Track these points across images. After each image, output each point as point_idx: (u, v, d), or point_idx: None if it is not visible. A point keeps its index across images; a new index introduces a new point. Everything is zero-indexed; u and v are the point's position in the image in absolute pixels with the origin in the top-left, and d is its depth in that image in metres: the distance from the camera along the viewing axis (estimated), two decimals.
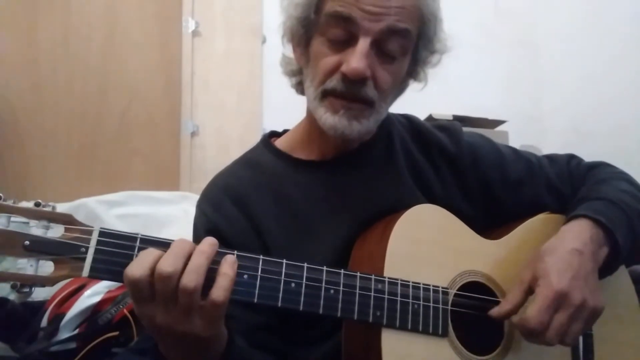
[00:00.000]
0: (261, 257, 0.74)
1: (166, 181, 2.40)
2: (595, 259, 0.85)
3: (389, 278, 0.81)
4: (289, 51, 0.96)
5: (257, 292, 0.72)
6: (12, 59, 2.30)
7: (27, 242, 0.65)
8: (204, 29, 2.49)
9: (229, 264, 0.68)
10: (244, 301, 0.71)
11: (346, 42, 0.84)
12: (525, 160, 1.04)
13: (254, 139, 1.08)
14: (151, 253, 0.66)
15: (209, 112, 2.47)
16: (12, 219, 0.65)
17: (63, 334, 1.43)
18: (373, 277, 0.80)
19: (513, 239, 0.96)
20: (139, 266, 0.64)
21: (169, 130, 2.46)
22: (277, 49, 1.00)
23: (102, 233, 0.68)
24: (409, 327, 0.80)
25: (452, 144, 1.02)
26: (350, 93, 0.84)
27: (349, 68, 0.82)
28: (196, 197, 1.00)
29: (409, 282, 0.82)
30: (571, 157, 1.09)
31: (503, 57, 2.69)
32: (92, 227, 0.68)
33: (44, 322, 1.47)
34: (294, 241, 0.91)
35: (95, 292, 1.50)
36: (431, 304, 0.82)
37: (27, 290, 0.66)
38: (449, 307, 0.84)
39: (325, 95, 0.86)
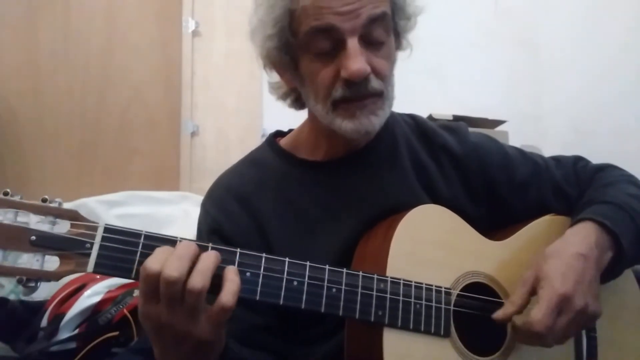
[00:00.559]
0: (264, 255, 0.74)
1: (166, 181, 2.40)
2: (599, 264, 0.85)
3: (391, 278, 0.80)
4: (273, 78, 0.96)
5: (259, 289, 0.72)
6: (12, 59, 2.31)
7: (33, 237, 0.65)
8: (204, 29, 2.50)
9: (233, 271, 0.69)
10: (246, 298, 0.72)
11: (334, 50, 0.83)
12: (532, 162, 1.04)
13: (254, 139, 1.09)
14: (168, 249, 0.66)
15: (209, 112, 2.47)
16: (19, 214, 0.66)
17: (63, 334, 1.43)
18: (375, 276, 0.80)
19: (517, 240, 0.95)
20: (157, 261, 0.65)
21: (169, 130, 2.46)
22: None
23: (107, 229, 0.69)
24: (411, 327, 0.80)
25: (457, 144, 1.01)
26: (358, 94, 0.84)
27: (349, 72, 0.81)
28: (196, 197, 1.01)
29: (411, 282, 0.82)
30: (578, 159, 1.09)
31: (503, 57, 2.69)
32: (98, 223, 0.69)
33: (44, 322, 1.47)
34: (297, 240, 0.91)
35: (95, 292, 1.50)
36: (433, 304, 0.82)
37: (32, 284, 0.67)
38: (452, 308, 0.84)
39: (336, 105, 0.86)
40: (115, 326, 1.44)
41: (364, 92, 0.84)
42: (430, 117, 1.96)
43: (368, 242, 0.89)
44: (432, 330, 0.81)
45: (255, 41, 0.90)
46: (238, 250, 0.72)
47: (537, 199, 1.02)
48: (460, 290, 0.86)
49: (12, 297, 1.61)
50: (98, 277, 1.50)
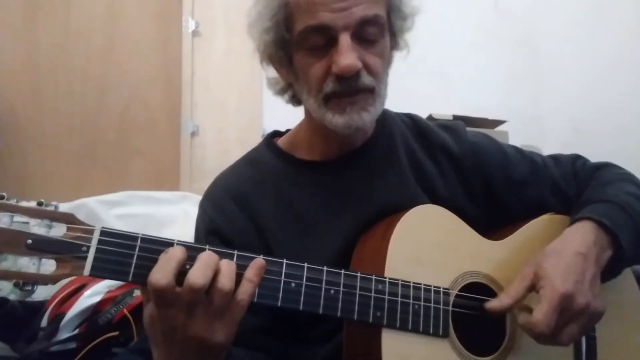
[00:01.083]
0: (261, 256, 0.73)
1: (166, 181, 2.40)
2: (599, 263, 0.85)
3: (389, 278, 0.80)
4: (271, 73, 0.97)
5: (257, 291, 0.72)
6: (12, 59, 2.31)
7: (29, 241, 0.65)
8: (204, 29, 2.49)
9: (256, 269, 0.70)
10: None
11: (327, 46, 0.84)
12: (530, 161, 1.04)
13: (254, 139, 1.09)
14: (173, 259, 0.66)
15: (209, 112, 2.47)
16: (15, 218, 0.66)
17: (63, 334, 1.43)
18: (374, 277, 0.80)
19: (516, 240, 0.95)
20: (163, 274, 0.65)
21: (169, 130, 2.46)
22: None
23: (104, 232, 0.68)
24: (410, 327, 0.80)
25: (455, 144, 1.01)
26: (349, 89, 0.85)
27: (340, 67, 0.82)
28: (196, 197, 1.01)
29: (409, 282, 0.82)
30: (577, 158, 1.09)
31: (503, 57, 2.69)
32: (94, 226, 0.68)
33: (44, 322, 1.47)
34: (296, 241, 0.91)
35: (95, 292, 1.50)
36: (432, 305, 0.82)
37: (29, 288, 0.67)
38: (450, 308, 0.84)
39: (327, 99, 0.86)
40: (115, 326, 1.44)
41: (354, 88, 0.85)
42: (430, 117, 1.96)
43: (366, 243, 0.89)
44: (431, 331, 0.81)
45: (253, 34, 0.91)
46: (235, 252, 0.72)
47: (535, 198, 1.02)
48: (459, 291, 0.86)
49: (12, 297, 1.61)
50: None
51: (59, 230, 0.67)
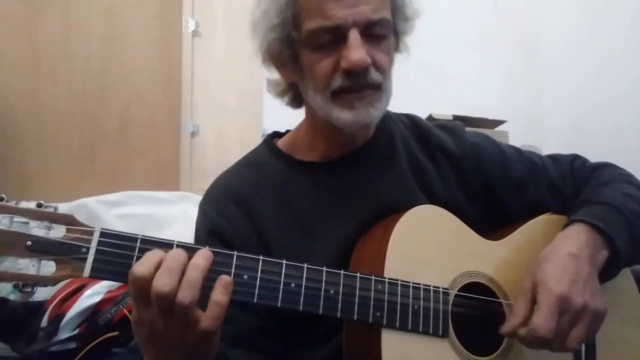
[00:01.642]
0: (261, 257, 0.74)
1: (166, 181, 2.40)
2: (593, 263, 0.84)
3: (389, 278, 0.80)
4: (272, 74, 0.97)
5: (256, 292, 0.72)
6: (12, 59, 2.30)
7: (29, 243, 0.66)
8: (204, 29, 2.49)
9: (220, 290, 0.66)
10: (243, 301, 0.71)
11: (335, 42, 0.84)
12: (528, 160, 1.04)
13: (254, 139, 1.09)
14: (156, 254, 0.66)
15: (209, 112, 2.46)
16: (15, 219, 0.66)
17: (63, 334, 1.43)
18: (373, 277, 0.80)
19: (515, 240, 0.95)
20: (143, 266, 0.64)
21: (169, 130, 2.46)
22: None
23: (103, 234, 0.68)
24: (409, 327, 0.80)
25: (454, 144, 1.02)
26: (357, 84, 0.85)
27: (350, 62, 0.82)
28: (196, 197, 1.01)
29: (409, 282, 0.82)
30: (575, 158, 1.09)
31: (503, 57, 2.69)
32: (93, 227, 0.69)
33: (44, 322, 1.47)
34: (296, 242, 0.91)
35: (95, 292, 1.50)
36: (431, 305, 0.82)
37: (29, 290, 0.67)
38: (450, 308, 0.84)
39: (335, 95, 0.86)
40: (115, 326, 1.44)
41: (362, 83, 0.85)
42: (430, 117, 1.97)
43: (365, 243, 0.89)
44: (431, 331, 0.82)
45: (257, 34, 0.90)
46: (235, 253, 0.72)
47: (533, 198, 1.02)
48: (458, 291, 0.86)
49: (12, 297, 1.61)
50: None
51: (58, 232, 0.67)
